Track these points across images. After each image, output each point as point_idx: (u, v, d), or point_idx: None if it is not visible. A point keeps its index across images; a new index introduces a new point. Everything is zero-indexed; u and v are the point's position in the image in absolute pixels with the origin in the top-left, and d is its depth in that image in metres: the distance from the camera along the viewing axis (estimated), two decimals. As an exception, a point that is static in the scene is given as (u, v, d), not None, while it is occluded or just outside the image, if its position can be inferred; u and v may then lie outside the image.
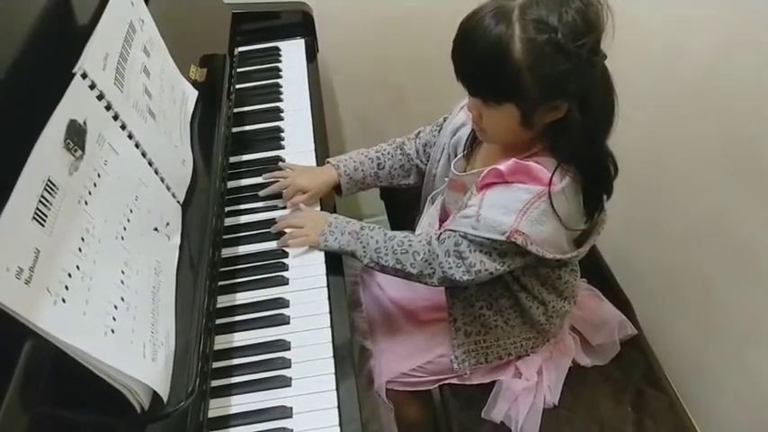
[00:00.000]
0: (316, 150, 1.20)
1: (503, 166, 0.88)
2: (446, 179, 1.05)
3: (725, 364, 1.15)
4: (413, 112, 1.73)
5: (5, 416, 0.53)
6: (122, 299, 0.67)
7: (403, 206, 1.37)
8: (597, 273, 1.21)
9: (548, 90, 0.81)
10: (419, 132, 1.16)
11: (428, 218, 1.09)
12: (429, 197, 1.11)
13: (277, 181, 1.10)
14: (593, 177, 0.89)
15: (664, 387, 1.06)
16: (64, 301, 0.59)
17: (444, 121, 1.11)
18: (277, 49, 1.45)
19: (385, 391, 1.08)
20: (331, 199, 1.13)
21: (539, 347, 1.06)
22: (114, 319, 0.64)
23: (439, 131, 1.11)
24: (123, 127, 0.78)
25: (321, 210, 1.09)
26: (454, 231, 0.91)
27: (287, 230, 1.01)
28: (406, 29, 1.59)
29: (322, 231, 0.99)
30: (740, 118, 1.05)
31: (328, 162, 1.13)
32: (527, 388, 1.04)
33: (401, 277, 0.98)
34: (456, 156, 1.05)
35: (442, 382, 1.09)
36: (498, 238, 0.87)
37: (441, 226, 1.08)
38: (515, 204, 0.86)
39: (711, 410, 1.12)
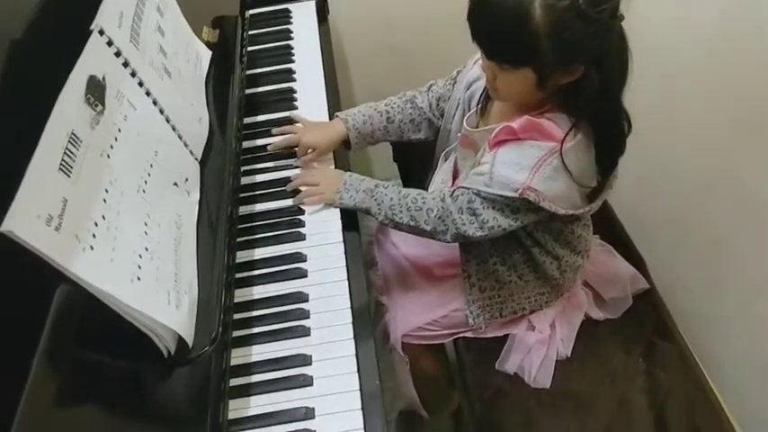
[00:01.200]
0: (329, 110, 1.20)
1: (515, 124, 0.88)
2: (459, 135, 1.06)
3: (734, 315, 1.16)
4: (423, 76, 1.73)
5: (42, 358, 0.56)
6: (146, 249, 0.69)
7: (417, 169, 1.38)
8: (610, 229, 1.22)
9: (566, 55, 0.81)
10: (431, 86, 1.15)
11: (442, 174, 1.10)
12: (443, 153, 1.12)
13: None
14: (607, 135, 0.89)
15: (675, 338, 1.08)
16: (92, 248, 0.61)
17: (458, 74, 1.10)
18: (287, 11, 1.45)
19: (400, 345, 1.11)
20: (346, 161, 1.13)
21: (552, 302, 1.08)
22: (139, 267, 0.67)
23: (453, 85, 1.11)
24: (141, 84, 0.79)
25: (335, 167, 1.10)
26: (467, 189, 0.92)
27: (302, 188, 1.03)
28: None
29: (337, 189, 1.00)
30: (750, 76, 1.05)
31: (337, 116, 1.13)
32: (540, 340, 1.06)
33: (415, 234, 0.99)
34: (470, 110, 1.05)
35: (456, 336, 1.11)
36: (511, 194, 0.88)
37: (453, 183, 1.09)
38: (528, 161, 0.87)
39: (721, 360, 1.13)
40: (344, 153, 1.14)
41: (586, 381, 1.03)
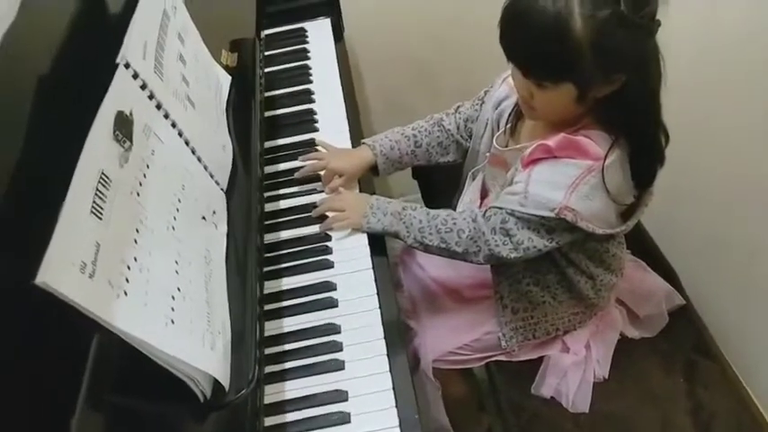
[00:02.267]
0: (350, 131, 1.19)
1: (551, 142, 0.86)
2: (487, 154, 1.04)
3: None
4: (439, 87, 1.72)
5: (80, 409, 0.54)
6: (178, 289, 0.67)
7: (437, 185, 1.36)
8: (641, 244, 1.19)
9: (608, 65, 0.79)
10: (458, 107, 1.13)
11: (470, 194, 1.08)
12: (470, 173, 1.10)
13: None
14: (646, 148, 0.87)
15: (715, 356, 1.05)
16: (126, 293, 0.59)
17: (485, 94, 1.08)
18: (303, 30, 1.44)
19: (431, 370, 1.08)
20: (370, 184, 1.11)
21: (586, 321, 1.05)
22: (173, 309, 0.64)
23: (480, 105, 1.09)
24: (166, 116, 0.78)
25: (360, 192, 1.08)
26: (501, 209, 0.90)
27: (328, 214, 1.01)
28: (427, 2, 1.57)
29: (364, 213, 0.98)
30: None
31: (363, 143, 1.11)
32: (576, 362, 1.03)
33: (445, 256, 0.97)
34: (499, 129, 1.03)
35: (488, 360, 1.08)
36: (547, 214, 0.86)
37: (482, 203, 1.07)
38: (564, 180, 0.85)
39: (764, 376, 1.10)
40: (368, 176, 1.11)
41: (626, 403, 1.00)
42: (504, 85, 1.02)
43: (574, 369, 1.03)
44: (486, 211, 0.92)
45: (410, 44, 1.65)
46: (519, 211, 0.88)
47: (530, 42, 0.80)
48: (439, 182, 1.35)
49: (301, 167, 1.09)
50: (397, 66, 1.68)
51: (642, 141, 0.86)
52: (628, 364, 1.04)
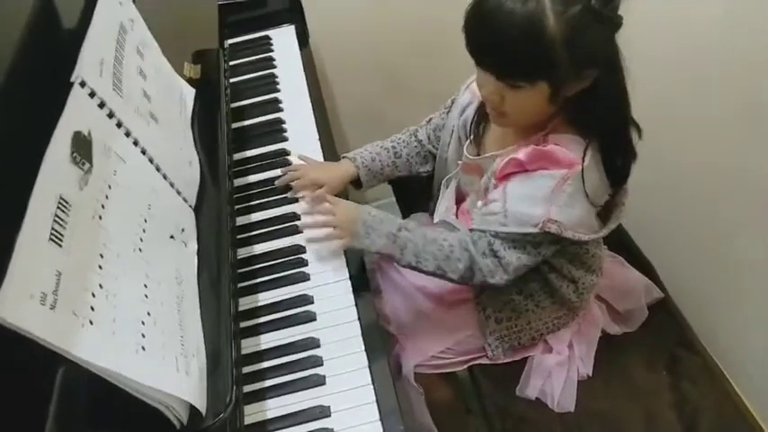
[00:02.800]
0: (320, 140, 1.17)
1: (521, 155, 0.85)
2: (459, 162, 1.02)
3: (753, 318, 1.13)
4: (409, 92, 1.70)
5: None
6: (148, 313, 0.65)
7: (411, 189, 1.34)
8: (617, 239, 1.18)
9: (582, 60, 0.78)
10: (431, 119, 1.13)
11: (445, 202, 1.07)
12: (443, 181, 1.08)
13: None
14: (619, 144, 0.86)
15: (696, 348, 1.05)
16: (91, 322, 0.56)
17: (452, 103, 1.08)
18: (267, 38, 1.41)
19: (413, 376, 1.06)
20: (343, 193, 1.09)
21: (569, 323, 1.05)
22: (143, 335, 0.62)
23: (447, 114, 1.08)
24: (128, 134, 0.75)
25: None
26: (484, 231, 0.89)
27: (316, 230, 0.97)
28: (395, 6, 1.56)
29: (355, 232, 0.92)
30: (749, 70, 1.03)
31: (344, 157, 1.10)
32: (560, 362, 1.02)
33: (438, 278, 0.94)
34: (466, 137, 1.02)
35: (471, 363, 1.07)
36: (531, 230, 0.85)
37: (458, 208, 1.05)
38: (542, 192, 0.84)
39: (745, 367, 1.10)
40: (344, 187, 1.09)
41: (611, 399, 1.00)
42: (468, 92, 1.01)
43: (558, 369, 1.02)
44: (472, 236, 0.91)
45: (378, 49, 1.63)
46: (502, 231, 0.87)
47: (503, 43, 0.78)
48: (413, 187, 1.33)
49: (278, 178, 1.07)
50: (365, 71, 1.66)
51: (615, 138, 0.86)
52: (611, 361, 1.04)
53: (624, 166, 0.88)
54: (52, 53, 0.81)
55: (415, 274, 1.11)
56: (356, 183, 1.11)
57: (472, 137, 1.00)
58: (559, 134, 0.86)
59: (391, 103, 1.71)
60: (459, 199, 1.05)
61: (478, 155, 0.99)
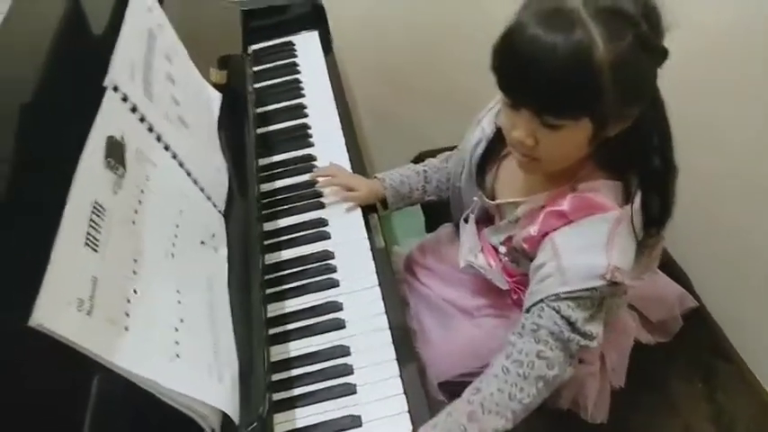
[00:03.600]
0: (346, 144, 1.16)
1: (565, 207, 0.79)
2: (474, 199, 0.98)
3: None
4: (427, 99, 1.69)
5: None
6: (182, 320, 0.64)
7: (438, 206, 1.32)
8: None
9: (630, 94, 0.72)
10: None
11: (467, 242, 0.99)
12: (462, 219, 1.03)
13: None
14: (659, 190, 0.79)
15: (732, 358, 1.03)
16: (127, 329, 0.55)
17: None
18: (291, 43, 1.41)
19: (438, 390, 1.04)
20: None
21: None
22: (177, 343, 0.61)
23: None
24: (159, 139, 0.75)
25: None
26: (541, 301, 0.78)
27: None
28: (410, 12, 1.55)
29: None
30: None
31: (375, 177, 1.09)
32: (591, 372, 1.00)
33: (546, 395, 0.81)
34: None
35: (499, 374, 1.04)
36: (598, 284, 0.76)
37: (481, 236, 1.00)
38: (598, 239, 0.76)
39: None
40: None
41: (645, 411, 0.98)
42: (478, 129, 0.96)
43: (590, 379, 0.99)
44: (531, 320, 0.79)
45: (401, 61, 1.63)
46: (563, 291, 0.76)
47: (548, 77, 0.70)
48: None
49: (305, 183, 1.07)
50: (387, 83, 1.66)
51: (654, 183, 0.79)
52: (644, 371, 1.01)
53: (664, 213, 0.81)
54: (83, 58, 0.81)
55: (442, 286, 1.09)
56: (384, 203, 1.08)
57: (479, 178, 0.96)
58: (590, 181, 0.81)
59: (411, 111, 1.71)
60: (479, 229, 1.01)
61: (492, 198, 0.95)
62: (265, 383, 0.68)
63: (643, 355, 1.03)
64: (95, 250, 0.55)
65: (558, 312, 0.77)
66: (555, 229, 0.80)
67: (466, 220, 1.03)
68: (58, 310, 0.48)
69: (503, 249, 0.94)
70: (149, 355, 0.56)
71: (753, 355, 1.05)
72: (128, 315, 0.56)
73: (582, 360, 1.01)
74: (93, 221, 0.56)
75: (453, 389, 1.03)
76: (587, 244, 0.77)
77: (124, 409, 0.58)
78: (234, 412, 0.63)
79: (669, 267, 1.14)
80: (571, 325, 0.77)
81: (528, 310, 0.80)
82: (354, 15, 1.53)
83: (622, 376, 1.01)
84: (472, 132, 0.99)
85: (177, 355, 0.60)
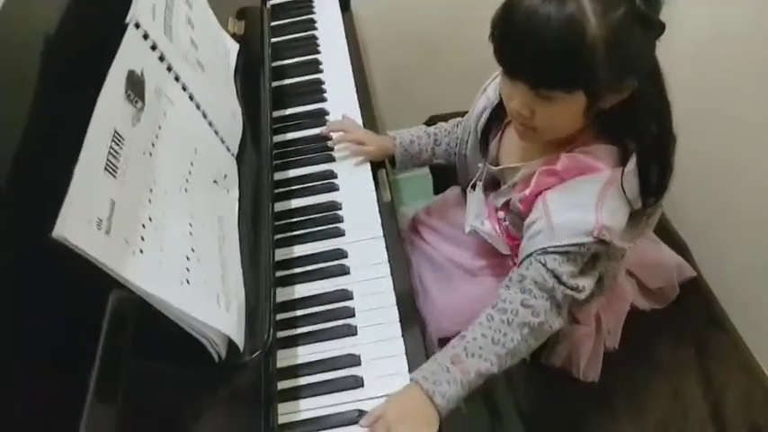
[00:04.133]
0: (359, 101, 1.17)
1: (557, 165, 0.81)
2: (479, 165, 1.00)
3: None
4: (445, 67, 1.70)
5: (99, 363, 0.54)
6: (192, 250, 0.67)
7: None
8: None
9: (624, 68, 0.73)
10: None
11: (474, 209, 1.00)
12: (469, 186, 1.04)
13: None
14: (657, 158, 0.81)
15: (726, 328, 1.05)
16: (141, 251, 0.58)
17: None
18: (309, 0, 1.42)
19: (437, 347, 1.07)
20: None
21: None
22: (188, 269, 0.64)
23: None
24: (177, 78, 0.77)
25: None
26: (529, 256, 0.81)
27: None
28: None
29: (430, 394, 0.75)
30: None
31: (387, 134, 1.11)
32: (586, 333, 1.02)
33: (534, 343, 0.82)
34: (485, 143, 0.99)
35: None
36: (585, 240, 0.78)
37: (487, 202, 1.02)
38: (588, 198, 0.78)
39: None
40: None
41: (636, 373, 1.00)
42: (483, 97, 0.98)
43: (585, 339, 1.02)
44: (520, 272, 0.82)
45: (417, 23, 1.63)
46: (551, 246, 0.79)
47: (540, 49, 0.72)
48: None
49: (316, 136, 1.09)
50: (403, 44, 1.66)
51: (652, 152, 0.81)
52: (638, 336, 1.03)
53: (662, 182, 0.83)
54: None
55: (445, 245, 1.12)
56: (392, 161, 1.10)
57: (483, 145, 0.97)
58: (590, 146, 0.82)
59: (426, 76, 1.71)
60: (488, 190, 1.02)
61: (496, 164, 0.97)
62: (270, 317, 0.71)
63: (638, 320, 1.05)
64: (114, 176, 0.58)
65: (544, 265, 0.79)
66: (548, 188, 0.82)
67: (473, 187, 1.05)
68: (78, 226, 0.51)
69: (501, 215, 0.96)
70: (161, 276, 0.59)
71: (747, 327, 1.07)
72: (143, 239, 0.59)
73: (578, 321, 1.04)
74: (113, 149, 0.59)
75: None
76: (577, 202, 0.79)
77: (137, 327, 0.61)
78: (239, 339, 0.66)
79: (670, 237, 1.15)
80: (557, 278, 0.79)
81: (520, 266, 0.83)
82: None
83: (617, 338, 1.04)
84: (478, 100, 1.01)
85: (187, 281, 0.63)
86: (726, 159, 1.22)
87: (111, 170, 0.58)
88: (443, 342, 1.05)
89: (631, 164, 0.80)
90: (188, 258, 0.65)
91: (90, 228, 0.52)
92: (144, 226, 0.60)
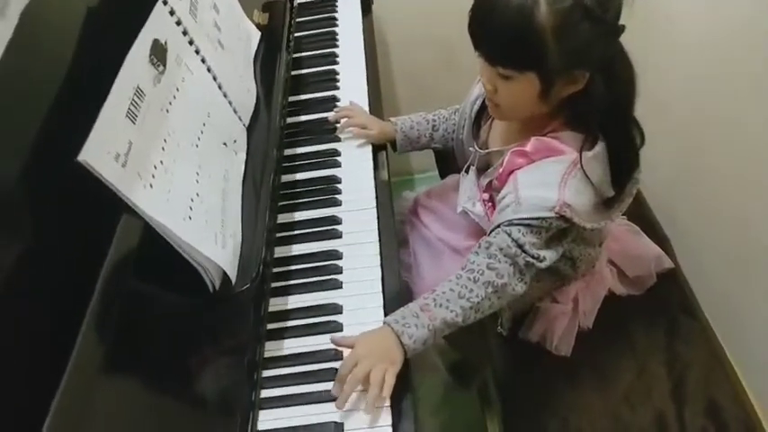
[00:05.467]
0: (368, 92, 1.27)
1: (527, 146, 0.89)
2: (471, 149, 1.08)
3: (760, 297, 1.17)
4: (464, 70, 1.78)
5: (104, 282, 0.64)
6: (197, 194, 0.77)
7: (449, 153, 1.42)
8: (636, 210, 1.24)
9: (572, 58, 0.81)
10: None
11: (467, 192, 1.09)
12: (463, 171, 1.13)
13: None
14: (620, 148, 0.89)
15: (697, 315, 1.10)
16: (151, 186, 0.69)
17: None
18: (333, 1, 1.53)
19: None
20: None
21: (568, 284, 1.10)
22: (191, 208, 0.75)
23: None
24: (197, 52, 0.88)
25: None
26: (498, 227, 0.89)
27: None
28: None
29: (398, 334, 0.82)
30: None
31: (389, 120, 1.20)
32: (563, 311, 1.09)
33: (501, 302, 0.90)
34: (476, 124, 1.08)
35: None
36: (546, 215, 0.86)
37: (479, 185, 1.08)
38: (553, 177, 0.86)
39: (745, 340, 1.15)
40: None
41: (607, 351, 1.07)
42: (479, 84, 1.05)
43: (561, 317, 1.09)
44: (488, 240, 0.90)
45: (438, 26, 1.71)
46: (516, 218, 0.87)
47: (495, 27, 0.82)
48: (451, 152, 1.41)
49: (324, 120, 1.19)
50: (424, 47, 1.75)
51: (614, 142, 0.88)
52: (613, 317, 1.10)
53: (625, 171, 0.90)
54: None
55: (440, 229, 1.20)
56: (393, 145, 1.20)
57: (475, 130, 1.06)
58: (559, 132, 0.91)
59: (441, 75, 1.80)
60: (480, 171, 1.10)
61: (486, 149, 1.05)
62: (260, 258, 0.81)
63: (614, 304, 1.12)
64: (133, 122, 0.69)
65: (509, 235, 0.87)
66: (519, 168, 0.90)
67: (467, 171, 1.13)
68: (99, 155, 0.62)
69: (485, 195, 1.04)
70: (167, 208, 0.70)
71: (719, 317, 1.12)
72: (153, 177, 0.70)
73: (556, 300, 1.11)
74: (134, 101, 0.70)
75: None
76: (543, 181, 0.87)
77: (143, 256, 0.71)
78: (231, 271, 0.77)
79: (652, 229, 1.22)
80: (519, 246, 0.87)
81: (490, 235, 0.91)
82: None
83: (591, 319, 1.10)
84: (473, 88, 1.10)
85: (189, 218, 0.73)
86: (719, 162, 1.27)
87: (131, 117, 0.69)
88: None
89: (596, 150, 0.88)
90: (192, 200, 0.76)
91: (109, 158, 0.63)
92: (155, 167, 0.71)
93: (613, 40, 0.83)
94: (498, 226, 0.89)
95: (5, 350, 0.58)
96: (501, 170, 0.93)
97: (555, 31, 0.79)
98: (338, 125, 1.19)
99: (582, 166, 0.86)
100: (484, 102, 1.05)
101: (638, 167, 0.92)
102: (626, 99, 0.87)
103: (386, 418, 0.77)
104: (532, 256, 0.87)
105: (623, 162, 0.90)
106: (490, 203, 1.05)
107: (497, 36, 0.83)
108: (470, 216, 1.08)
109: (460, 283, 0.88)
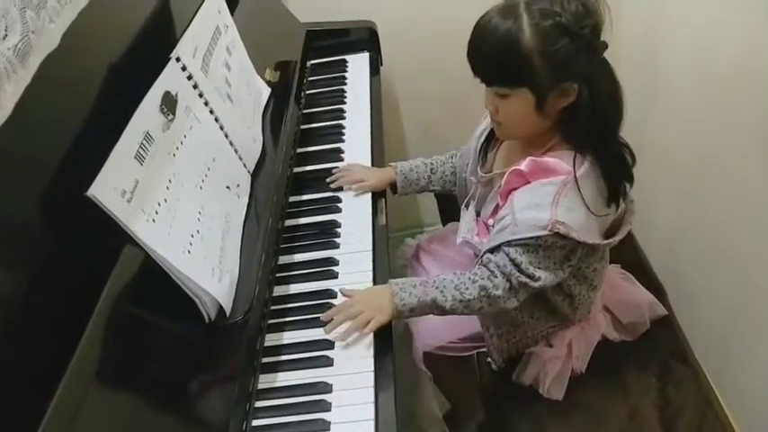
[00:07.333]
0: (372, 145, 1.34)
1: (522, 166, 0.96)
2: (472, 179, 1.14)
3: (754, 345, 1.17)
4: (472, 120, 1.85)
5: (103, 309, 0.70)
6: (198, 231, 0.84)
7: (450, 203, 1.48)
8: (632, 258, 1.27)
9: (557, 71, 0.89)
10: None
11: (466, 224, 1.15)
12: (464, 204, 1.19)
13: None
14: (610, 164, 0.95)
15: (689, 361, 1.11)
16: (154, 221, 0.75)
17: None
18: (344, 60, 1.63)
19: (422, 360, 1.18)
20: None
21: (564, 330, 1.12)
22: (191, 243, 0.81)
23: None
24: (206, 104, 0.96)
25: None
26: (497, 247, 0.97)
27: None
28: (464, 41, 1.72)
29: (393, 293, 0.97)
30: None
31: (389, 165, 1.28)
32: (557, 356, 1.11)
33: (489, 309, 0.99)
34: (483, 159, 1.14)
35: (479, 350, 1.18)
36: (541, 233, 0.92)
37: (478, 223, 1.14)
38: (545, 199, 0.93)
39: (737, 386, 1.15)
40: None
41: (599, 394, 1.08)
42: (487, 119, 1.12)
43: (554, 362, 1.11)
44: (488, 258, 0.98)
45: (446, 80, 1.80)
46: (514, 239, 0.94)
47: (487, 52, 0.93)
48: (453, 202, 1.46)
49: (329, 169, 1.26)
50: (433, 100, 1.83)
51: (604, 157, 0.95)
52: (606, 362, 1.11)
53: (617, 188, 0.97)
54: (162, 40, 1.05)
55: (443, 268, 1.25)
56: (393, 188, 1.26)
57: (481, 155, 1.12)
58: (557, 151, 0.97)
59: (456, 131, 1.86)
60: (479, 213, 1.14)
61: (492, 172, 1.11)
62: (254, 293, 0.86)
63: (607, 349, 1.14)
64: (141, 163, 0.76)
65: (507, 255, 0.95)
66: (517, 188, 0.97)
67: (467, 206, 1.19)
68: (107, 191, 0.69)
69: (491, 221, 1.08)
70: (168, 241, 0.76)
71: (711, 364, 1.13)
72: (156, 213, 0.77)
73: (551, 345, 1.14)
74: (143, 144, 0.78)
75: (436, 363, 1.19)
76: (537, 202, 0.93)
77: (143, 286, 0.77)
78: (227, 304, 0.82)
79: (648, 277, 1.24)
80: (516, 265, 0.95)
81: (486, 255, 0.99)
82: (416, 43, 1.69)
83: (585, 363, 1.12)
84: (478, 127, 1.17)
85: (189, 252, 0.79)
86: (713, 204, 1.27)
87: (139, 159, 0.76)
88: (428, 356, 1.17)
89: (583, 168, 0.94)
90: (192, 236, 0.82)
91: (116, 194, 0.70)
92: (159, 204, 0.78)
93: (594, 54, 0.91)
94: (499, 245, 0.96)
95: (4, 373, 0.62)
96: (501, 189, 1.00)
97: (538, 48, 0.88)
98: (333, 184, 1.24)
99: (575, 182, 0.93)
100: (491, 132, 1.11)
101: (630, 182, 0.99)
102: (609, 113, 0.94)
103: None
104: (528, 276, 0.95)
105: (614, 178, 0.97)
106: (487, 234, 1.10)
107: (489, 59, 0.93)
108: (470, 248, 1.13)
109: (461, 279, 0.99)
